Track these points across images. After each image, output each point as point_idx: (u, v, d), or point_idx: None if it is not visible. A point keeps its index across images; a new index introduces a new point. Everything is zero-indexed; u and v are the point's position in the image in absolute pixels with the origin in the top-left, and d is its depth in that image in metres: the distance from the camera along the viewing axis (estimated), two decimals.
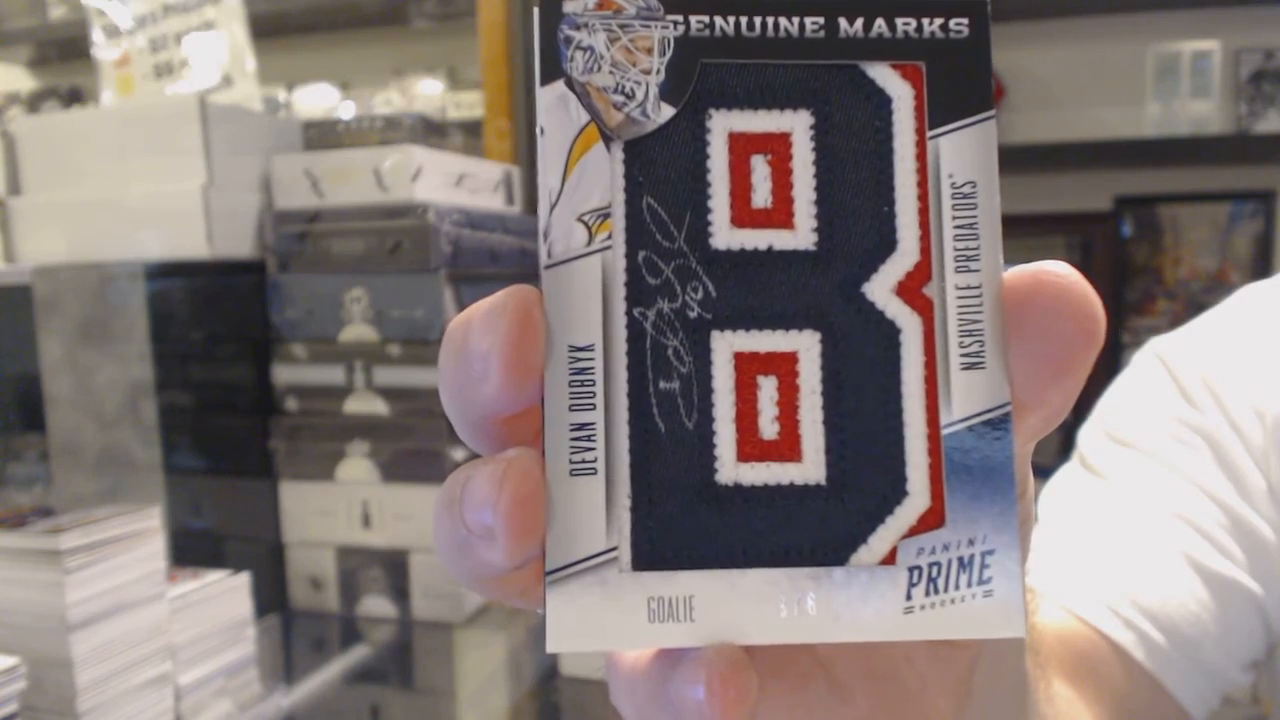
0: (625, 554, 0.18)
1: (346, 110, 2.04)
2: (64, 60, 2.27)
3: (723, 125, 0.19)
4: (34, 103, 2.23)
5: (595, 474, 0.18)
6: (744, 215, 0.19)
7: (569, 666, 0.79)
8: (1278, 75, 1.66)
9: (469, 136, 1.16)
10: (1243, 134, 1.65)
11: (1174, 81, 1.63)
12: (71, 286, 0.87)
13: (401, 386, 0.88)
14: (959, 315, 0.19)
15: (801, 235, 0.19)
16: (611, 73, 0.19)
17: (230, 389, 0.94)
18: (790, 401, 0.19)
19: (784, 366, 0.19)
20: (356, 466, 0.90)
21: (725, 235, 0.19)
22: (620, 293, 0.19)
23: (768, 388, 0.19)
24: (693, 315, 0.19)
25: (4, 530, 0.59)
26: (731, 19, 0.19)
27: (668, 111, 0.19)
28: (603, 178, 0.19)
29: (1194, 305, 1.70)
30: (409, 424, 0.88)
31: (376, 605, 0.90)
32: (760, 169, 0.19)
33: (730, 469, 0.19)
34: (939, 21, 0.19)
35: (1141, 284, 1.77)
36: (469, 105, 1.89)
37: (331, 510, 0.91)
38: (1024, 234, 1.72)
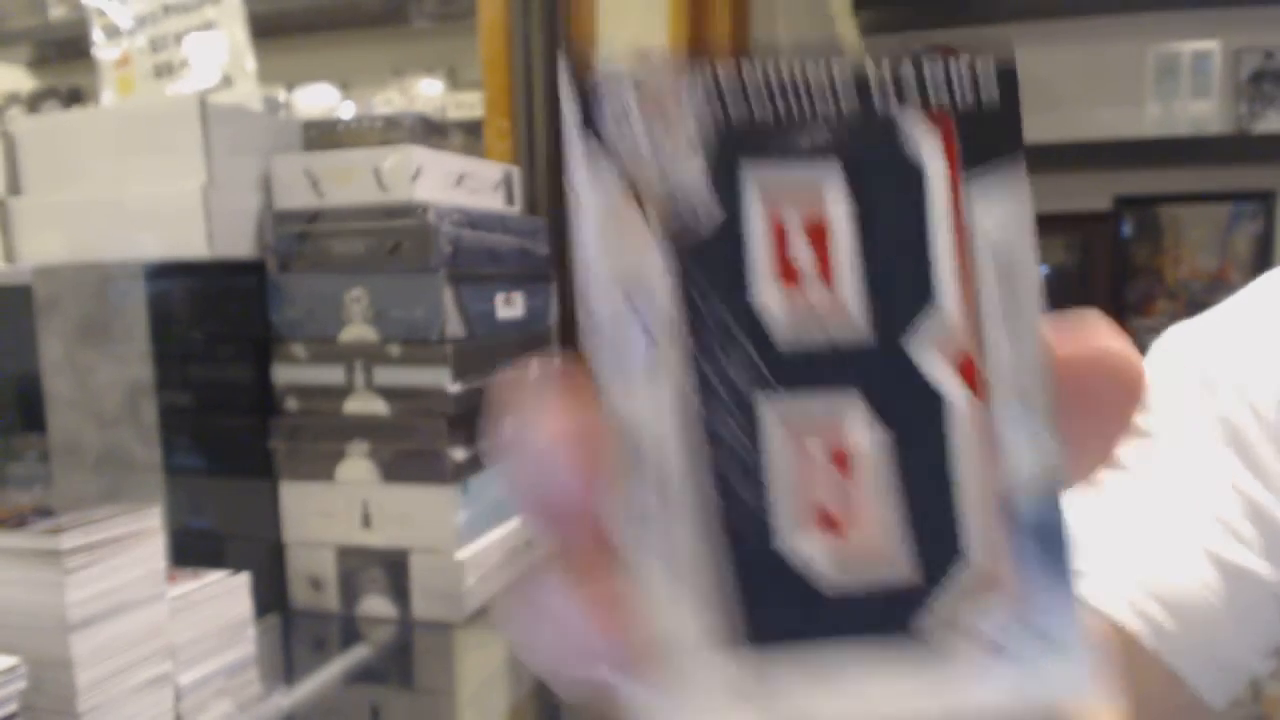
0: (697, 634, 0.18)
1: (346, 110, 2.04)
2: (64, 60, 2.27)
3: (755, 181, 0.19)
4: (34, 103, 2.24)
5: (661, 557, 0.18)
6: (784, 278, 0.19)
7: None
8: (1278, 75, 1.66)
9: (469, 136, 1.16)
10: (1243, 134, 1.66)
11: (1174, 81, 1.63)
12: (71, 287, 0.87)
13: (401, 386, 0.88)
14: (1008, 378, 0.19)
15: (844, 299, 0.19)
16: (646, 136, 0.19)
17: (230, 389, 0.94)
18: (846, 470, 0.19)
19: (836, 433, 0.19)
20: (356, 466, 0.90)
21: (767, 299, 0.19)
22: (667, 359, 0.19)
23: (821, 455, 0.19)
24: (740, 382, 0.19)
25: (4, 530, 0.59)
26: (766, 103, 0.19)
27: (701, 172, 0.19)
28: (639, 245, 0.19)
29: (1194, 305, 1.69)
30: (409, 424, 0.88)
31: (376, 605, 0.90)
32: (797, 231, 0.19)
33: (791, 540, 0.19)
34: (970, 88, 0.19)
35: (1142, 284, 1.77)
36: (469, 105, 1.89)
37: (331, 510, 0.90)
38: None
